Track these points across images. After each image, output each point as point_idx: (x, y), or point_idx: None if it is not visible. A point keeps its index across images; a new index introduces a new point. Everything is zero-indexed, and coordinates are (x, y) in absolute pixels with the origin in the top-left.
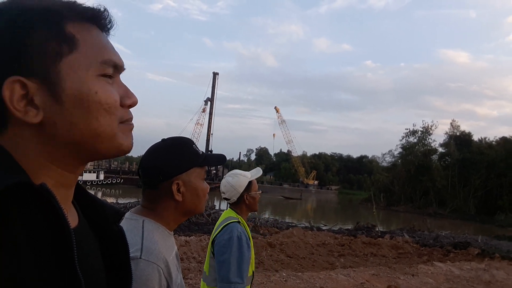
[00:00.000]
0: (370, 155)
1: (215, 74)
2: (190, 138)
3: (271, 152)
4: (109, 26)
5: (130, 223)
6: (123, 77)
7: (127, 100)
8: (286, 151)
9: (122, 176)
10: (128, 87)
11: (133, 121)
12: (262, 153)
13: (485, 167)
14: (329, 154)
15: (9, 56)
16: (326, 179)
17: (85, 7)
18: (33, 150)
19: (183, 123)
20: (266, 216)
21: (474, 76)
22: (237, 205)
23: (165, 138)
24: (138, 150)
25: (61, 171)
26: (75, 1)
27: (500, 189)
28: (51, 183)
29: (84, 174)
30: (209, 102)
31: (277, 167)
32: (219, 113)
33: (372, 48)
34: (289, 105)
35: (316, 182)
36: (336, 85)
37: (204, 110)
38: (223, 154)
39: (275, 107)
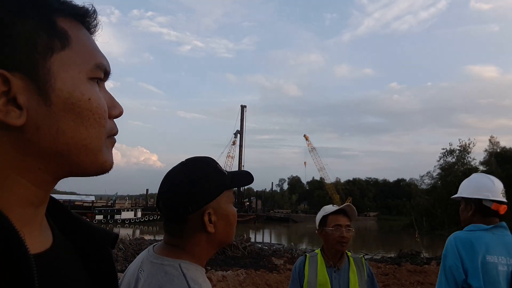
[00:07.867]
0: (407, 178)
1: (243, 107)
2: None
3: (304, 181)
4: (96, 29)
5: (162, 269)
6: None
7: (114, 110)
8: (318, 178)
9: (159, 213)
10: (113, 96)
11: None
12: (295, 182)
13: None
14: (363, 180)
15: None
16: (363, 205)
17: (76, 4)
18: (2, 158)
19: (214, 156)
20: (304, 247)
21: (505, 90)
22: None
23: (184, 160)
24: None
25: (29, 186)
26: None
27: None
28: (13, 199)
29: (122, 212)
30: (238, 135)
31: (311, 196)
32: (248, 144)
33: (396, 70)
34: (316, 132)
35: None
36: (362, 109)
37: (234, 143)
38: (248, 171)
39: (304, 135)
